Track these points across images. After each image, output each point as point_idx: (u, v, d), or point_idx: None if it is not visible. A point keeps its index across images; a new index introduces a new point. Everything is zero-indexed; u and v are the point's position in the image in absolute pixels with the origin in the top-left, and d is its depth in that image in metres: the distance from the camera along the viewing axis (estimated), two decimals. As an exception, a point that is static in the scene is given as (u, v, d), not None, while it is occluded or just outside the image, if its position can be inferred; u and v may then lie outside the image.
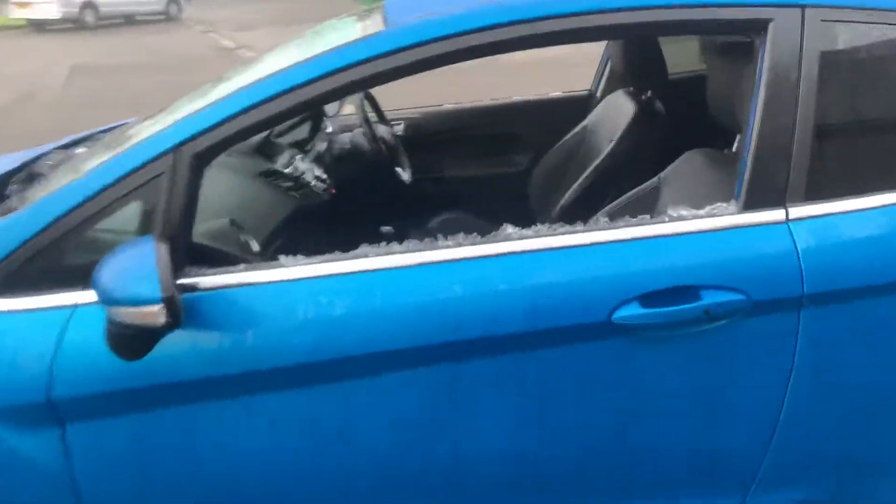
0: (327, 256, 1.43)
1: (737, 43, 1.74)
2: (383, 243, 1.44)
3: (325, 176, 2.19)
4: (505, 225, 1.45)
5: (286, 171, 2.06)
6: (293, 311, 1.38)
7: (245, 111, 1.39)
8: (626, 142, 2.28)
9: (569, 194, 2.34)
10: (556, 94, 2.91)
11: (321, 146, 2.55)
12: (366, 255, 1.43)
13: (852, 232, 1.40)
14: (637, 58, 2.35)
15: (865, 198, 1.41)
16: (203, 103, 1.48)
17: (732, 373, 1.43)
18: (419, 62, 1.41)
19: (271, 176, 1.99)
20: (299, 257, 1.43)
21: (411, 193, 2.76)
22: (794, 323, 1.40)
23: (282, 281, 1.41)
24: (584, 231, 1.42)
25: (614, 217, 1.46)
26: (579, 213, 2.40)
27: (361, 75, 1.40)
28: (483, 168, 2.93)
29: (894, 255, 1.39)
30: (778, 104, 1.41)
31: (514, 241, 1.41)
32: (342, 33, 1.67)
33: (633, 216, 1.48)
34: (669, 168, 1.99)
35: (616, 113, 2.43)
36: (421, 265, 1.41)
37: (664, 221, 1.43)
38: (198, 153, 1.40)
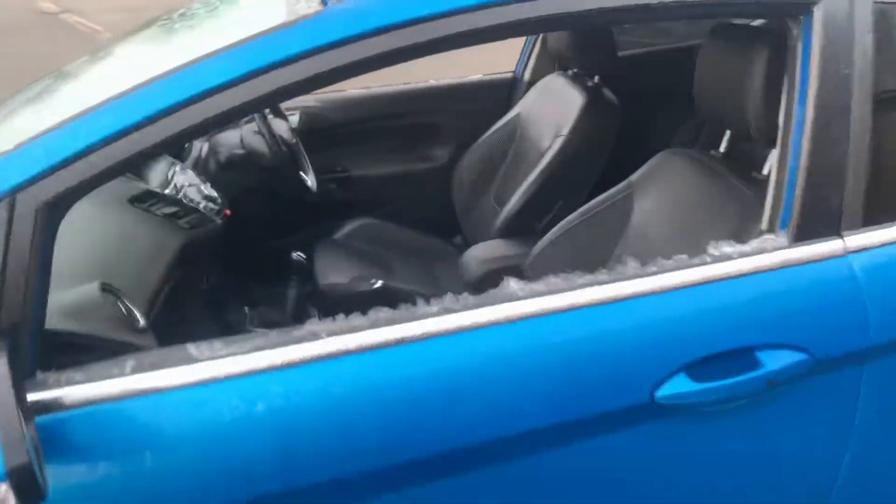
0: (258, 339, 1.00)
1: (742, 26, 1.45)
2: (335, 318, 1.03)
3: (215, 193, 1.70)
4: (507, 280, 1.08)
5: (165, 191, 1.56)
6: (217, 432, 0.94)
7: (124, 133, 0.91)
8: (576, 137, 1.96)
9: (516, 199, 1.99)
10: (475, 77, 2.53)
11: (201, 150, 2.04)
12: (317, 336, 1.01)
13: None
14: (580, 34, 2.02)
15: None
16: (50, 117, 0.98)
17: (789, 438, 1.16)
18: (397, 52, 0.98)
19: (145, 201, 1.48)
20: (215, 345, 0.98)
21: (314, 199, 2.31)
22: (858, 377, 1.14)
23: (194, 384, 0.96)
24: (606, 282, 1.07)
25: (603, 251, 1.13)
26: (529, 221, 2.11)
27: (311, 72, 0.96)
28: (396, 165, 2.52)
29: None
30: (831, 111, 1.13)
31: (518, 303, 1.04)
32: (248, 9, 1.20)
33: (631, 245, 1.16)
34: (642, 171, 1.69)
35: (558, 102, 2.10)
36: (398, 344, 1.01)
37: (705, 263, 1.11)
38: (49, 202, 0.90)
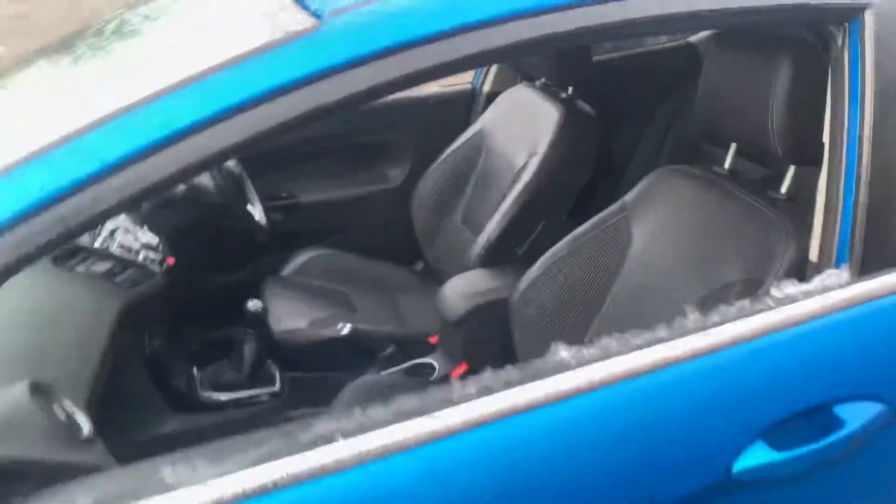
0: (249, 449, 0.78)
1: (757, 32, 1.32)
2: (349, 415, 0.82)
3: (155, 239, 1.44)
4: (556, 345, 0.89)
5: (95, 244, 1.29)
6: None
7: (62, 197, 0.67)
8: (555, 155, 1.80)
9: (494, 225, 1.81)
10: (429, 89, 2.34)
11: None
12: (331, 438, 0.79)
13: None
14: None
15: None
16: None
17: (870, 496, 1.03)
18: (417, 74, 0.79)
19: (73, 259, 1.21)
20: (197, 467, 0.75)
21: (258, 229, 2.06)
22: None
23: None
24: (667, 339, 0.91)
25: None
26: (509, 247, 1.93)
27: (312, 104, 0.74)
28: (347, 188, 2.29)
29: None
30: (888, 125, 1.00)
31: (572, 374, 0.86)
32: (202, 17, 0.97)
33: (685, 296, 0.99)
34: (637, 192, 1.55)
35: (529, 117, 1.94)
36: (429, 441, 0.81)
37: (769, 307, 0.95)
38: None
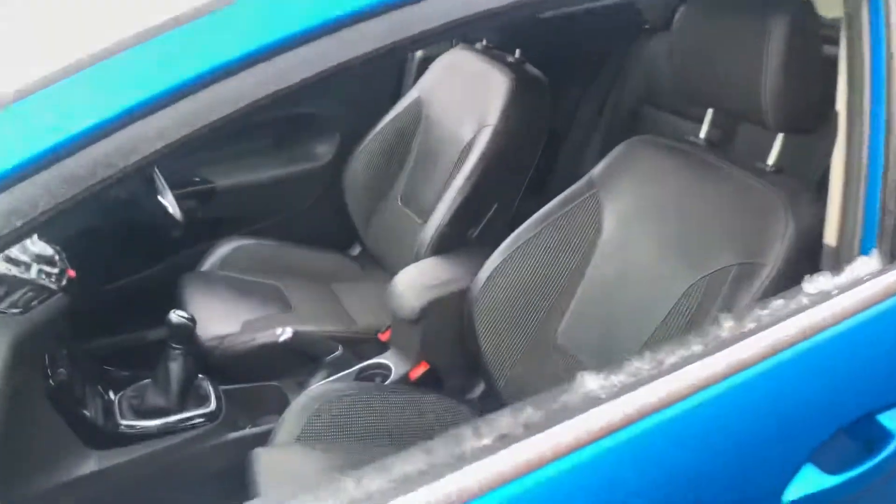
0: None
1: None
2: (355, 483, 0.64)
3: (50, 249, 1.17)
4: (581, 376, 0.74)
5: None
6: None
7: None
8: (507, 127, 1.64)
9: (445, 208, 1.63)
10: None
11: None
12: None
13: None
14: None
15: None
16: None
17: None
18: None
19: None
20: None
21: (173, 223, 1.81)
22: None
23: None
24: (703, 354, 0.77)
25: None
26: (461, 230, 1.76)
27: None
28: (270, 169, 2.05)
29: None
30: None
31: (603, 408, 0.71)
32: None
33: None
34: (605, 165, 1.41)
35: (473, 84, 1.76)
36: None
37: (805, 306, 0.83)
38: None
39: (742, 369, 0.76)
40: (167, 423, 1.33)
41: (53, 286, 1.13)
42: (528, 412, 0.69)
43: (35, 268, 1.11)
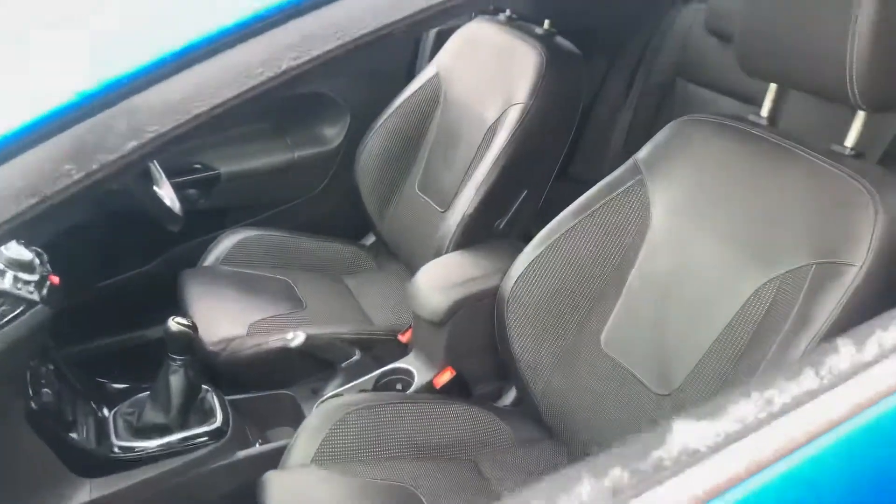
0: None
1: None
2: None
3: (28, 254, 1.03)
4: (674, 427, 0.59)
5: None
6: None
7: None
8: (537, 105, 1.48)
9: (470, 196, 1.48)
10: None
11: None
12: None
13: None
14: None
15: None
16: None
17: None
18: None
19: None
20: None
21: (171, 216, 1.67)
22: None
23: None
24: (820, 390, 0.62)
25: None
26: (488, 220, 1.61)
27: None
28: (276, 153, 1.90)
29: None
30: None
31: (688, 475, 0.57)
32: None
33: None
34: (652, 148, 1.26)
35: (498, 59, 1.60)
36: None
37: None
38: None
39: (861, 410, 0.62)
40: (168, 442, 1.20)
41: (33, 296, 0.99)
42: (616, 474, 0.55)
43: (9, 276, 0.97)
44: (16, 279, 0.98)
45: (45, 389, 1.06)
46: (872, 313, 0.74)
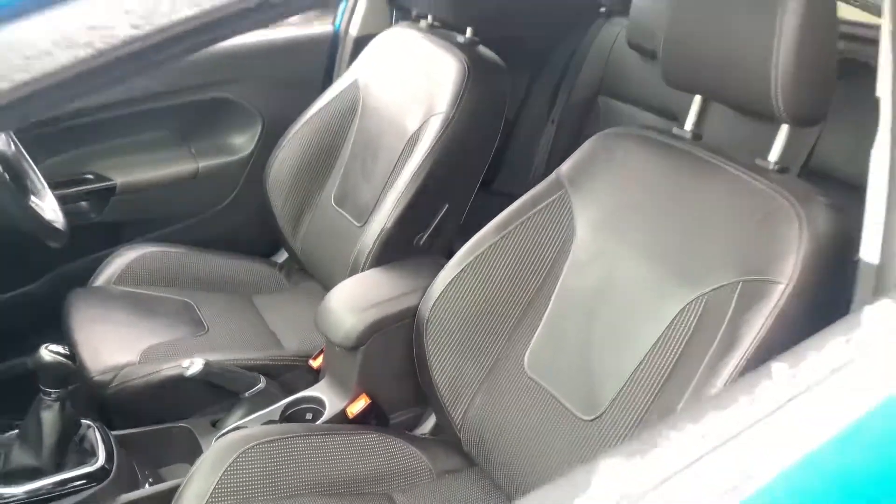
0: None
1: None
2: None
3: None
4: (598, 462, 0.52)
5: None
6: None
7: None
8: (461, 115, 1.41)
9: (387, 212, 1.39)
10: (280, 33, 1.83)
11: None
12: None
13: None
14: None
15: None
16: None
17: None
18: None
19: None
20: None
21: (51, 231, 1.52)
22: None
23: None
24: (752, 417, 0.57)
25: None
26: (408, 236, 1.51)
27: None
28: (179, 163, 1.77)
29: None
30: None
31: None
32: None
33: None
34: (575, 161, 1.22)
35: (419, 67, 1.53)
36: None
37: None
38: None
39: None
40: (40, 487, 1.05)
41: None
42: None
43: None
44: None
45: None
46: (800, 331, 0.70)
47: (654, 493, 0.51)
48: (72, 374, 1.08)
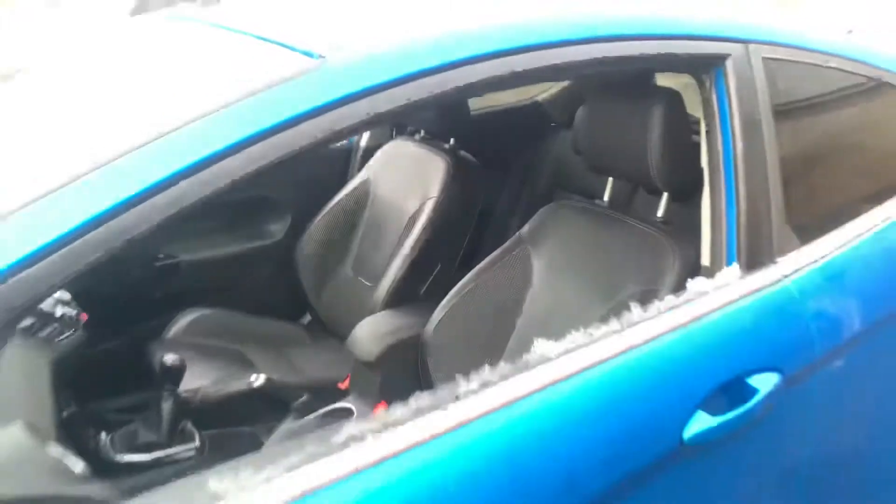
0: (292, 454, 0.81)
1: (637, 80, 1.55)
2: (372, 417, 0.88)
3: (67, 296, 1.34)
4: (537, 342, 1.00)
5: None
6: None
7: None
8: (447, 197, 1.95)
9: (396, 269, 1.90)
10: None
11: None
12: (361, 438, 0.84)
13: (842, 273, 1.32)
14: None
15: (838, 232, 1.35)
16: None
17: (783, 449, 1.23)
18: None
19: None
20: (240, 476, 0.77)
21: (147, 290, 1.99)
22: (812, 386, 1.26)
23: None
24: (620, 330, 1.05)
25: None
26: (412, 288, 2.00)
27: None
28: (227, 245, 2.26)
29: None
30: (755, 151, 1.26)
31: (553, 364, 0.97)
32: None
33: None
34: (532, 226, 1.73)
35: (416, 166, 2.07)
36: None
37: (690, 300, 1.14)
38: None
39: (646, 342, 1.05)
40: (158, 456, 1.46)
41: (70, 326, 1.29)
42: (503, 367, 0.95)
43: (59, 308, 1.28)
44: (63, 311, 1.28)
45: (71, 402, 1.33)
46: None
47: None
48: (183, 374, 1.52)
